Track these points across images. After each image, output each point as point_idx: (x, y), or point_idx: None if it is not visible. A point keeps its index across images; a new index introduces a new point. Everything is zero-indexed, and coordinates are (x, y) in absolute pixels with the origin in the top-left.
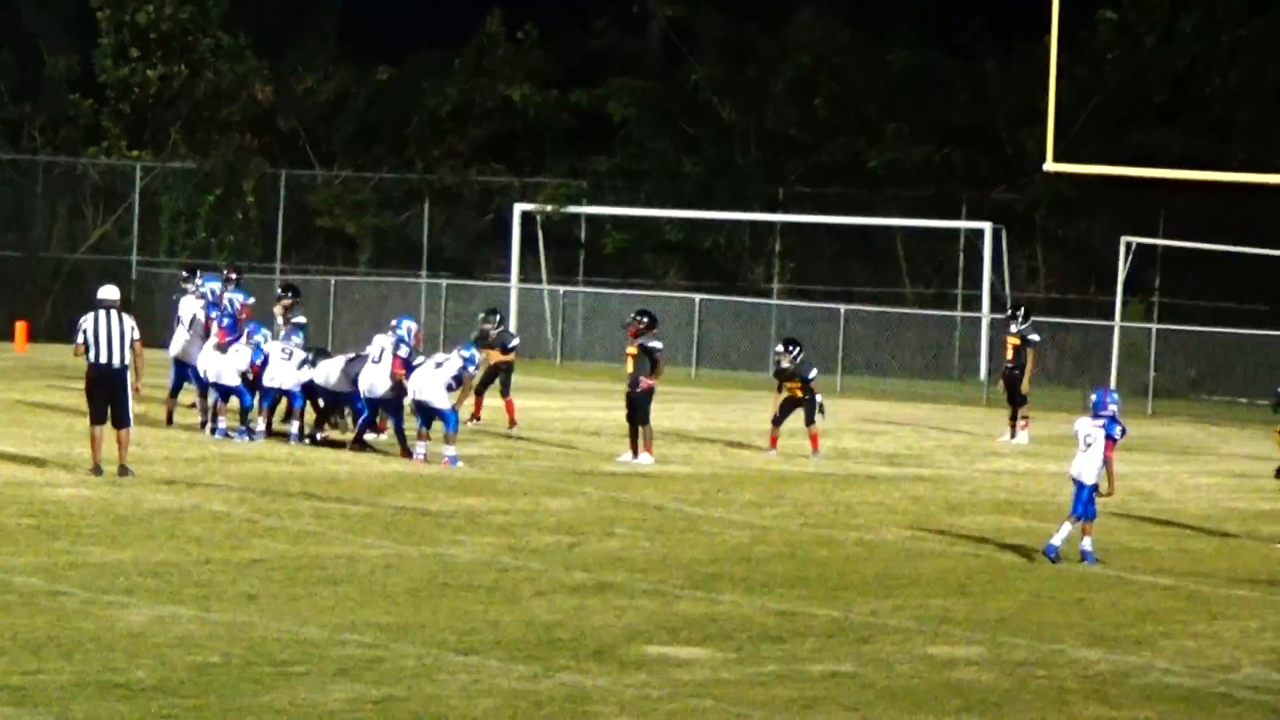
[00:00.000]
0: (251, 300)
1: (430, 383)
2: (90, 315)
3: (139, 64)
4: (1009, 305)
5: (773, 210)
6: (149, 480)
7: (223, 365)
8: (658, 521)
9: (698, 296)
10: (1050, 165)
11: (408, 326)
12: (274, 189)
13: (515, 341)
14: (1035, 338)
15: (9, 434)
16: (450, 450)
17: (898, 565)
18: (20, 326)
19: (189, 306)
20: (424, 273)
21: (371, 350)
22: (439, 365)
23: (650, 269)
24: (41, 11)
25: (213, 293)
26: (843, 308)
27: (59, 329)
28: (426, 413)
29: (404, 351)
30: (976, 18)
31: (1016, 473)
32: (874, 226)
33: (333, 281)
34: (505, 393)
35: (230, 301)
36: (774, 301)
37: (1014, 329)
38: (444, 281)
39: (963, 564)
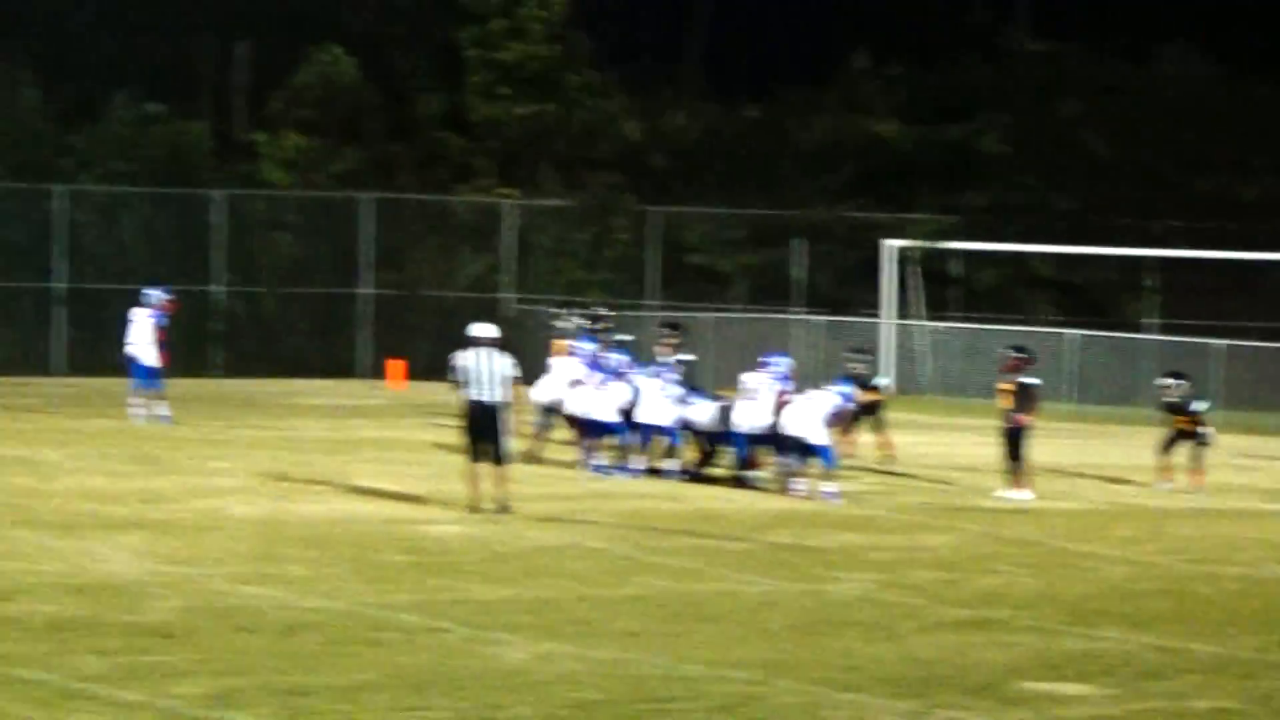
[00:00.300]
0: (627, 338)
1: (806, 419)
2: (468, 352)
3: (508, 102)
4: None
5: (1145, 244)
6: (527, 517)
7: (600, 402)
8: (1037, 557)
9: (1072, 332)
10: None
11: (785, 362)
12: (646, 226)
13: (883, 381)
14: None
15: (387, 472)
16: (830, 486)
17: None
18: (397, 364)
19: (558, 347)
20: (798, 309)
21: (745, 387)
22: (814, 401)
23: (1024, 304)
24: (411, 52)
25: (582, 333)
26: (1218, 343)
27: (436, 367)
28: (803, 449)
29: (788, 385)
30: None
31: None
32: (1251, 261)
33: (708, 318)
34: (878, 429)
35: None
36: (1150, 336)
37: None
38: (819, 318)
39: None
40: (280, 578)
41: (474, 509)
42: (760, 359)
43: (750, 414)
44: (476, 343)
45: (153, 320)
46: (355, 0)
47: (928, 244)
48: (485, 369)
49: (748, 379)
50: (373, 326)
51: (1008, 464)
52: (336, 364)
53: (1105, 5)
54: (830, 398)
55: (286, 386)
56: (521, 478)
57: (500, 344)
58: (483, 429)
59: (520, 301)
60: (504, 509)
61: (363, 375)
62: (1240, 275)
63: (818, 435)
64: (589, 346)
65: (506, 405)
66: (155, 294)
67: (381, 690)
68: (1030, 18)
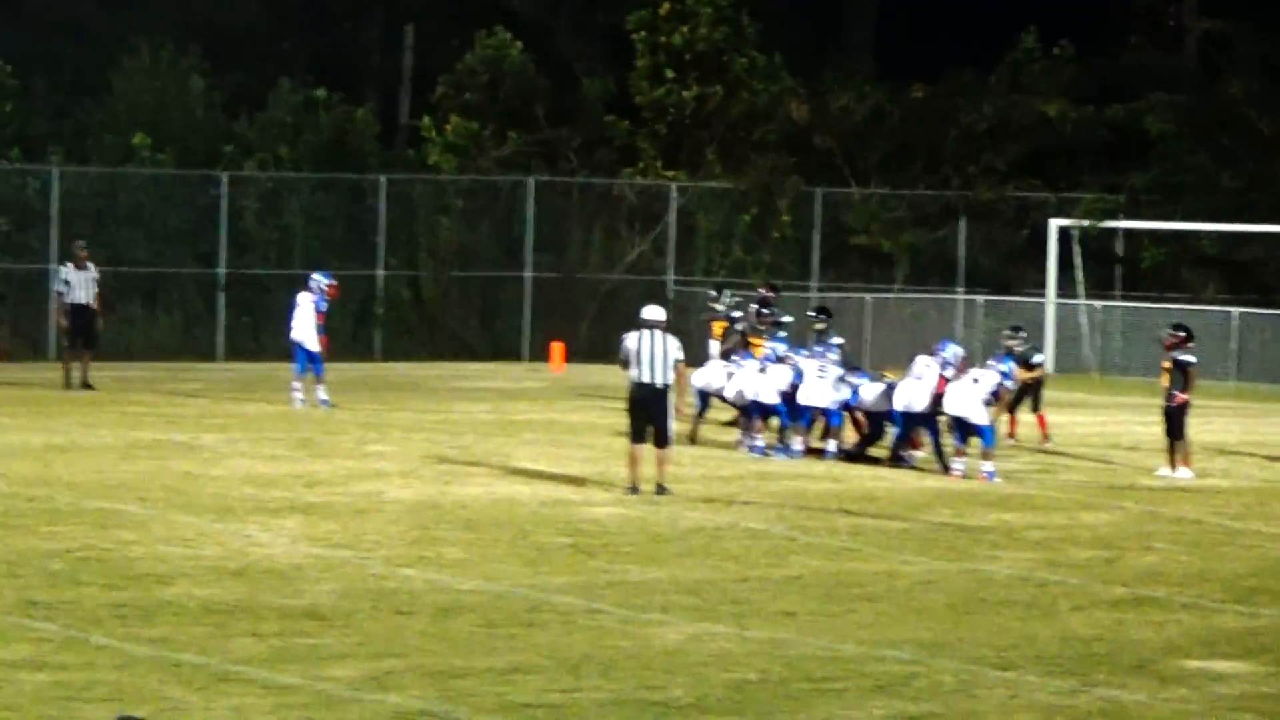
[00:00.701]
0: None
1: (967, 398)
2: (635, 334)
3: (674, 85)
4: None
5: None
6: (686, 499)
7: (762, 384)
8: (1196, 535)
9: (1236, 310)
10: None
11: (954, 350)
12: (809, 207)
13: (1039, 357)
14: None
15: (546, 454)
16: (988, 466)
17: None
18: (557, 347)
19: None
20: (960, 289)
21: (914, 369)
22: (975, 381)
23: (1188, 283)
24: (577, 36)
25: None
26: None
27: (596, 349)
28: (964, 428)
29: (949, 373)
30: None
31: None
32: None
33: (868, 299)
34: (1036, 408)
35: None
36: None
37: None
38: (980, 297)
39: None
40: (437, 560)
41: (634, 490)
42: (935, 345)
43: (912, 394)
44: (646, 325)
45: (315, 304)
46: None
47: (1092, 223)
48: (649, 351)
49: (919, 361)
50: (534, 309)
51: (1168, 442)
52: (498, 347)
53: None
54: (991, 376)
55: (447, 370)
56: (681, 459)
57: (668, 327)
58: (648, 411)
59: (681, 284)
60: (662, 490)
61: (524, 358)
62: None
63: (978, 414)
64: (780, 346)
65: (671, 388)
66: (318, 278)
67: (537, 672)
68: None
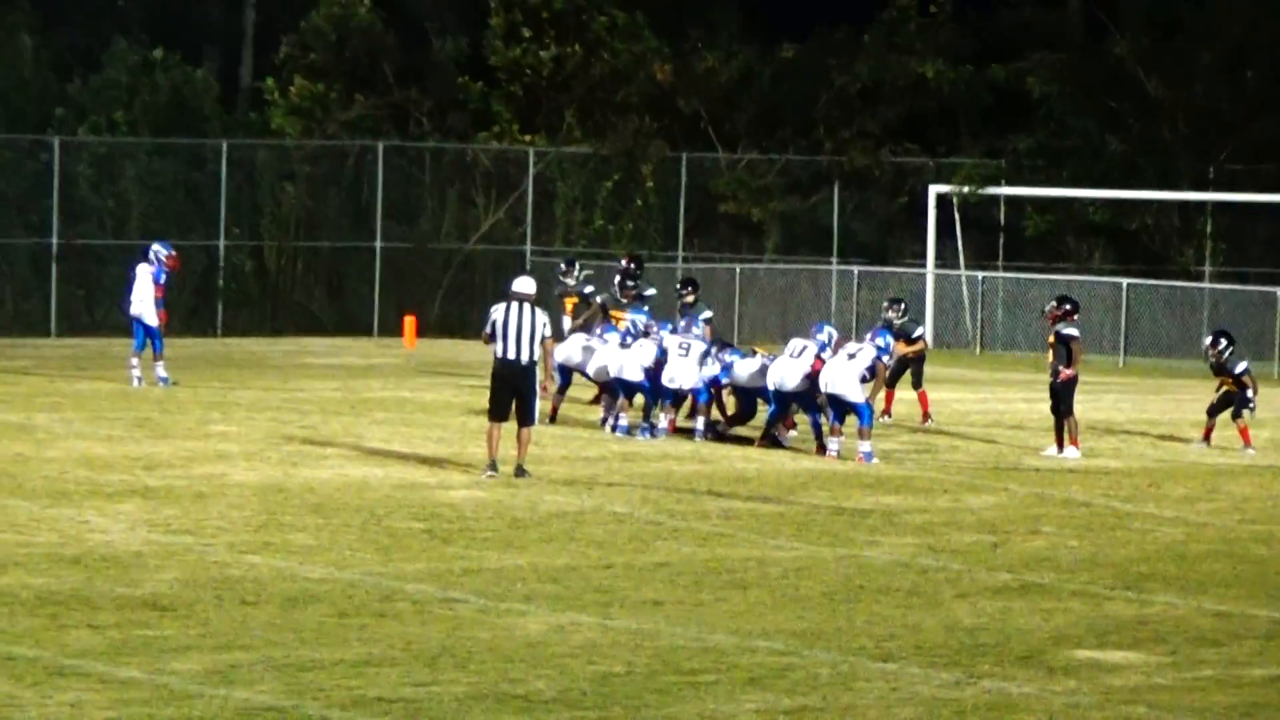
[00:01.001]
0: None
1: (843, 375)
2: (502, 306)
3: (531, 45)
4: None
5: (1203, 189)
6: (547, 481)
7: (625, 359)
8: (1085, 519)
9: (1125, 281)
10: None
11: (829, 333)
12: (674, 173)
13: (920, 331)
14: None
15: (398, 434)
16: (865, 446)
17: None
18: (409, 321)
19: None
20: (835, 259)
21: (789, 347)
22: (851, 356)
23: (1074, 252)
24: None
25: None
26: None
27: (449, 323)
28: (839, 406)
29: (825, 355)
30: None
31: None
32: None
33: (738, 270)
34: (917, 384)
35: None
36: (1206, 285)
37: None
38: (855, 268)
39: None
40: (285, 547)
41: (493, 468)
42: (811, 328)
43: (785, 371)
44: (515, 297)
45: (154, 277)
46: None
47: (972, 189)
48: (517, 325)
49: (793, 343)
50: (384, 281)
51: (1055, 420)
52: (346, 321)
53: None
54: (868, 352)
55: (293, 345)
56: (541, 439)
57: (535, 301)
58: (511, 388)
59: (539, 254)
60: (522, 472)
61: (374, 333)
62: None
63: (854, 392)
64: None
65: (538, 365)
66: (157, 249)
67: (392, 664)
68: None
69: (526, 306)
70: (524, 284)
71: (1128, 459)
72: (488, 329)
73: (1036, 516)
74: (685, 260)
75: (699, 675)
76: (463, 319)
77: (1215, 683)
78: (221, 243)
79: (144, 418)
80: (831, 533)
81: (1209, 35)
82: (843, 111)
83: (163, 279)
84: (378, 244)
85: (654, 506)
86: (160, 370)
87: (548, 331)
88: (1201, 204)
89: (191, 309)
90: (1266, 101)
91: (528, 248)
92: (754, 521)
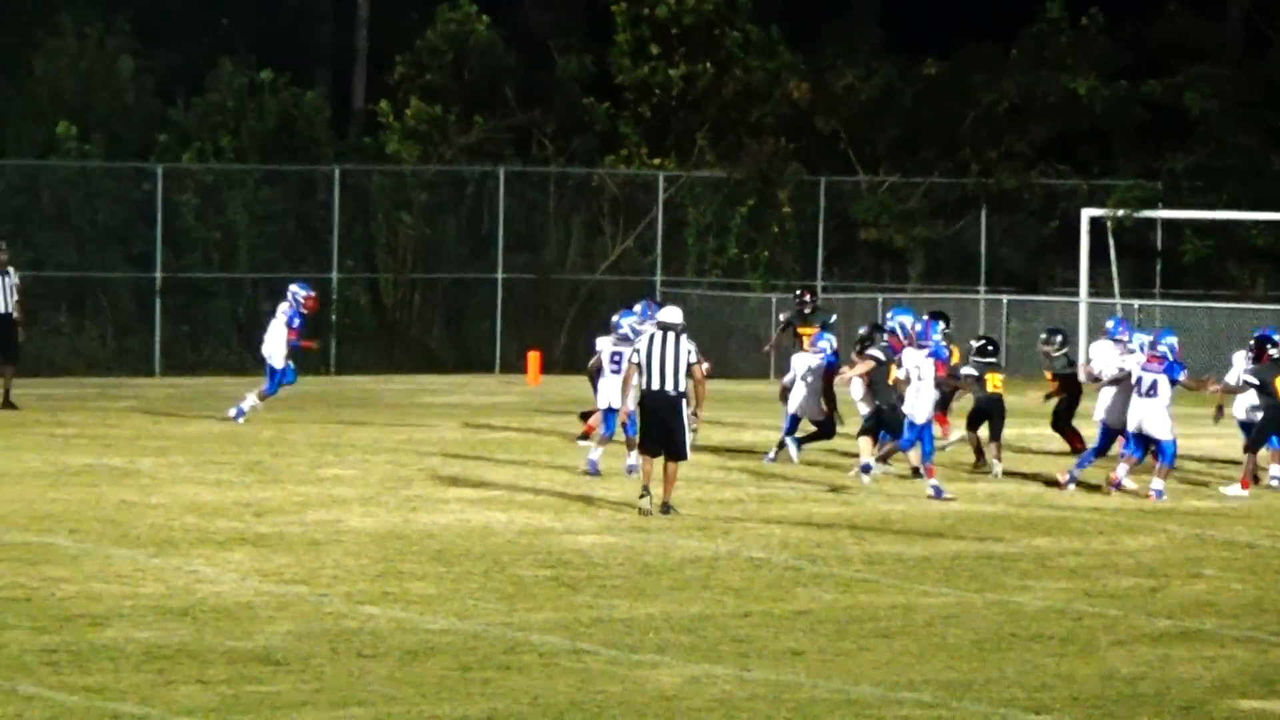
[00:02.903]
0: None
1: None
2: (646, 336)
3: (659, 63)
4: None
5: None
6: (679, 525)
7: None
8: (1250, 560)
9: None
10: None
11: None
12: (812, 198)
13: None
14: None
15: (522, 476)
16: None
17: None
18: (533, 357)
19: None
20: (982, 287)
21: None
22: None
23: (1235, 279)
24: (551, 8)
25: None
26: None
27: (575, 358)
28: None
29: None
30: None
31: None
32: None
33: (880, 300)
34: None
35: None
36: None
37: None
38: (1005, 297)
39: None
40: (403, 596)
41: (646, 493)
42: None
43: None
44: (662, 327)
45: (287, 318)
46: None
47: (1128, 212)
48: (661, 354)
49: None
50: (506, 314)
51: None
52: (466, 357)
53: None
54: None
55: (411, 383)
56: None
57: (683, 330)
58: (659, 420)
59: (670, 285)
60: (668, 510)
61: (496, 369)
62: None
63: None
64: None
65: (685, 396)
66: (295, 289)
67: (518, 719)
68: None
69: (671, 335)
70: (671, 314)
71: None
72: (633, 357)
73: (1198, 559)
74: (825, 290)
75: None
76: (589, 354)
77: None
78: (335, 275)
79: (254, 461)
80: (980, 577)
81: None
82: (990, 131)
83: (296, 322)
84: (499, 275)
85: (793, 551)
86: (245, 404)
87: (695, 359)
88: None
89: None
90: None
91: (658, 278)
92: (898, 566)
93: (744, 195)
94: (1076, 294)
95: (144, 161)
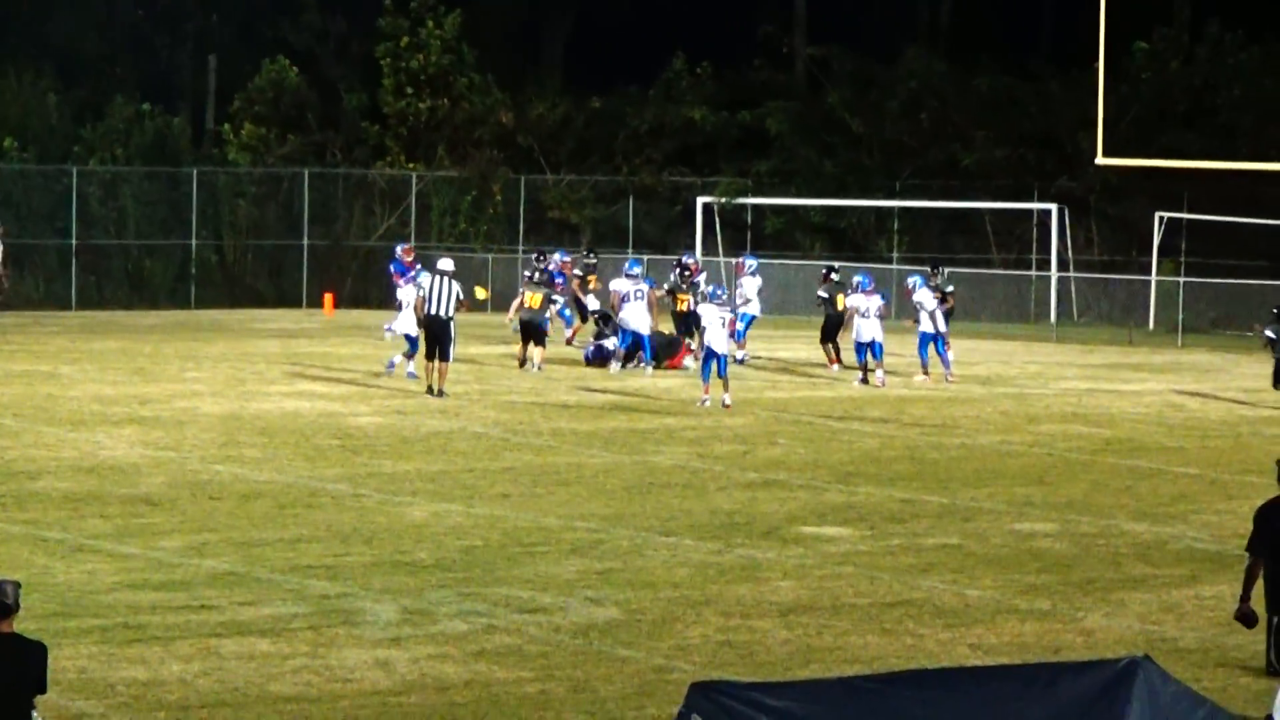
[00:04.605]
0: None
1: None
2: (429, 278)
3: (413, 99)
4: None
5: (891, 198)
6: (426, 409)
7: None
8: (811, 434)
9: (837, 263)
10: (1101, 159)
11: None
12: (516, 190)
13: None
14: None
15: (322, 377)
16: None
17: (991, 462)
18: (328, 297)
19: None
20: (630, 251)
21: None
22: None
23: (800, 244)
24: (339, 61)
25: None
26: (945, 270)
27: (357, 298)
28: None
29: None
30: (1042, 50)
31: (1079, 391)
32: (968, 209)
33: (557, 257)
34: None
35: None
36: (894, 266)
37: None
38: (645, 257)
39: (1040, 461)
40: (240, 458)
41: (431, 391)
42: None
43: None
44: (438, 272)
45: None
46: (298, 23)
47: (728, 200)
48: (437, 291)
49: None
50: (310, 268)
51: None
52: (283, 297)
53: (861, 15)
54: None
55: (246, 315)
56: (423, 382)
57: (453, 275)
58: (435, 335)
59: (419, 248)
60: (440, 394)
61: (303, 305)
62: (960, 220)
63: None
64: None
65: (453, 319)
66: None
67: (317, 541)
68: (806, 26)
69: (448, 279)
70: (446, 263)
71: (838, 390)
72: (419, 292)
73: (775, 432)
74: (524, 252)
75: (535, 547)
76: (367, 295)
77: (901, 549)
78: (194, 242)
79: (139, 367)
80: (629, 445)
81: (895, 87)
82: (635, 145)
83: (406, 273)
84: (305, 242)
85: (503, 427)
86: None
87: (462, 296)
88: (891, 208)
89: (172, 289)
90: (935, 135)
91: (412, 243)
92: (574, 437)
93: (470, 188)
94: (694, 255)
95: (64, 164)
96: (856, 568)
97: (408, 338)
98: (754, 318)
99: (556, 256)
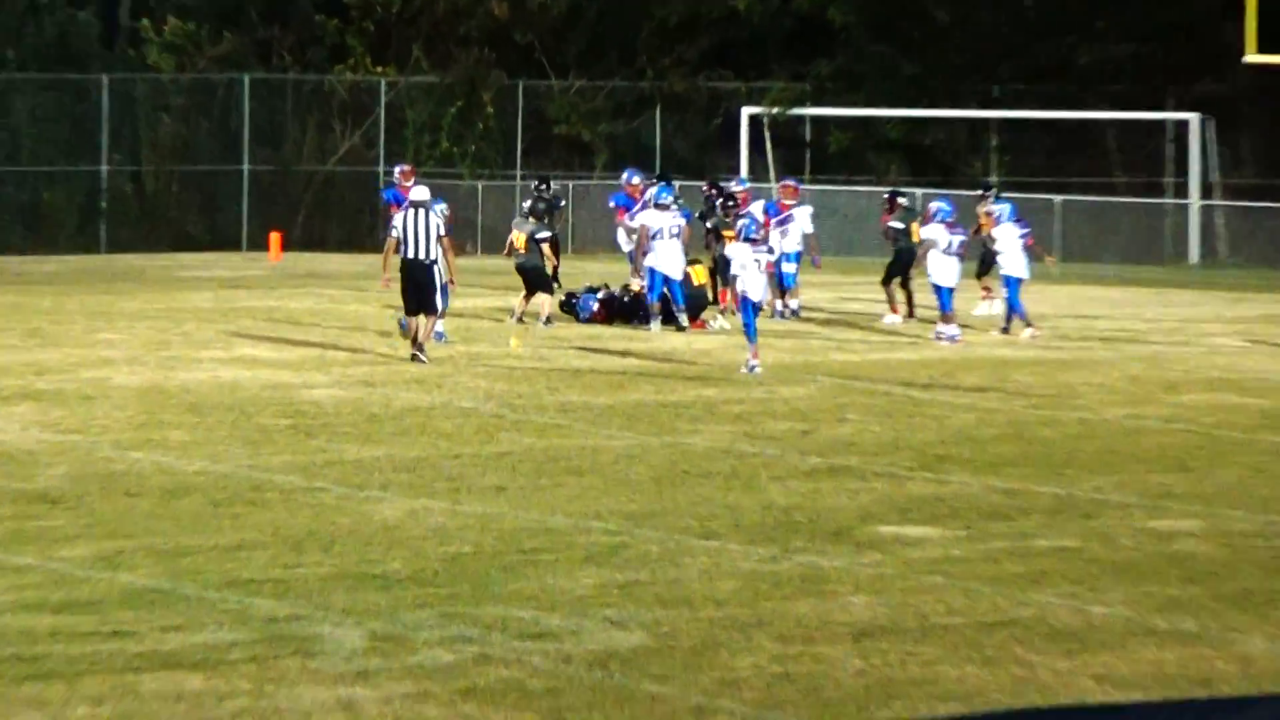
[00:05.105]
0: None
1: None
2: (401, 214)
3: None
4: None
5: (987, 107)
6: (399, 379)
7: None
8: (887, 406)
9: (919, 191)
10: (1251, 56)
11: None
12: (512, 100)
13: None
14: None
15: (266, 339)
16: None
17: (1118, 443)
18: (274, 237)
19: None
20: (657, 175)
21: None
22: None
23: (874, 166)
24: None
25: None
26: (1057, 198)
27: (311, 238)
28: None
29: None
30: None
31: (1230, 350)
32: (1085, 120)
33: (570, 186)
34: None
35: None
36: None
37: (986, 208)
38: (676, 183)
39: (1181, 440)
40: (164, 443)
41: (418, 352)
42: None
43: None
44: (412, 204)
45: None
46: None
47: (780, 110)
48: (415, 228)
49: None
50: (252, 201)
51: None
52: (218, 238)
53: None
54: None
55: (171, 260)
56: (394, 342)
57: (430, 203)
58: (416, 283)
59: (391, 175)
60: (420, 355)
61: (243, 248)
62: (1075, 134)
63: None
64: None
65: (437, 262)
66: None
67: (262, 548)
68: None
69: (425, 212)
70: (420, 192)
71: (923, 350)
72: (393, 233)
73: (843, 405)
74: (522, 178)
75: (540, 554)
76: (323, 234)
77: (1006, 553)
78: (104, 168)
79: (35, 328)
80: (657, 422)
81: None
82: (663, 41)
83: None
84: (245, 167)
85: (497, 401)
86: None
87: (444, 231)
88: (986, 120)
89: (77, 227)
90: (1041, 26)
91: (380, 168)
92: (587, 413)
93: (454, 98)
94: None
95: None
96: (948, 578)
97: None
98: (799, 255)
99: (626, 177)
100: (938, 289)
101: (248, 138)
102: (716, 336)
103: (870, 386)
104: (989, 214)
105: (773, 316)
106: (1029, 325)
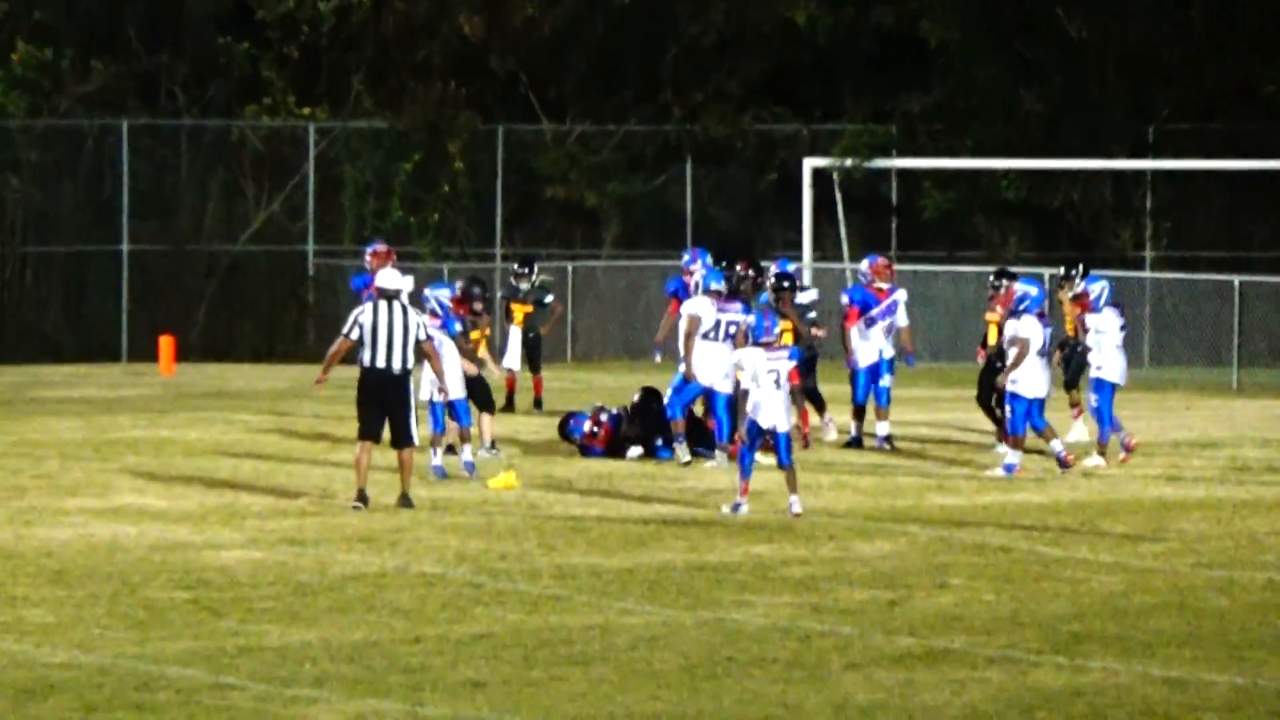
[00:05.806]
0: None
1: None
2: (368, 307)
3: None
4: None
5: (1141, 155)
6: (339, 536)
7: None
8: (1004, 567)
9: (1046, 271)
10: None
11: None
12: (489, 151)
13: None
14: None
15: (155, 483)
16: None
17: None
18: (165, 342)
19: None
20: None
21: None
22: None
23: (984, 237)
24: None
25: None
26: (1236, 279)
27: (215, 344)
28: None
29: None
30: None
31: None
32: (1275, 171)
33: (570, 268)
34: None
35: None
36: (1147, 274)
37: (1073, 291)
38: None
39: None
40: (17, 626)
41: (363, 499)
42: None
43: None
44: (383, 294)
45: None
46: None
47: (857, 162)
48: (388, 327)
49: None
50: (135, 293)
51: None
52: (88, 344)
53: None
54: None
55: (24, 375)
56: (332, 482)
57: (410, 300)
58: (382, 402)
59: (325, 255)
60: (407, 503)
61: (122, 357)
62: (1261, 190)
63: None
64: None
65: (411, 375)
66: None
67: None
68: None
69: (399, 306)
70: (391, 279)
71: (1055, 491)
72: (353, 333)
73: (943, 566)
74: (504, 259)
75: None
76: (231, 338)
77: None
78: None
79: None
80: (691, 592)
81: None
82: (695, 69)
83: (455, 330)
84: (124, 246)
85: (472, 564)
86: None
87: (425, 334)
88: (1139, 173)
89: None
90: (1215, 45)
91: (310, 247)
92: (595, 580)
93: (409, 149)
94: (799, 258)
95: None
96: None
97: (435, 408)
98: (891, 363)
99: (687, 260)
100: (1015, 400)
101: (127, 206)
102: (768, 472)
103: (980, 540)
104: (1081, 296)
105: (807, 445)
106: (1127, 447)
